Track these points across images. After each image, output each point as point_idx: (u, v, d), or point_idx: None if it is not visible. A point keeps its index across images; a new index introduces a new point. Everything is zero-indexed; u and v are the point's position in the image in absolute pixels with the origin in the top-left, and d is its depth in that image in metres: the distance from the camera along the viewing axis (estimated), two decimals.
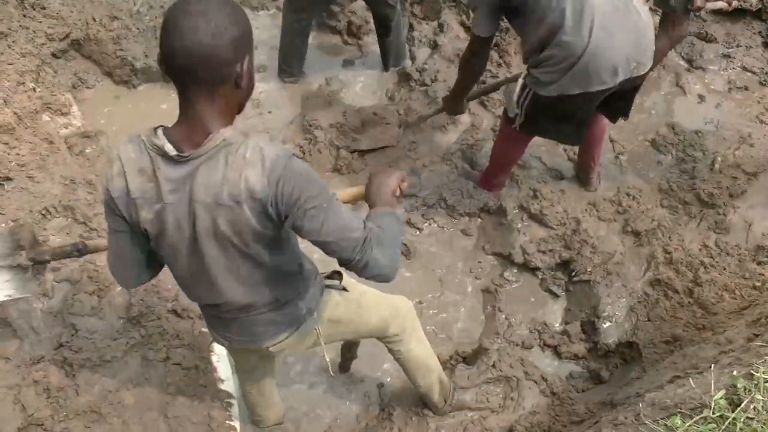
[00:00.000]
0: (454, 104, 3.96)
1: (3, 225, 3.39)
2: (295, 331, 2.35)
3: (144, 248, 2.07)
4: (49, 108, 4.18)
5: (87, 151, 4.13)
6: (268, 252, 2.00)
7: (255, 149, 1.78)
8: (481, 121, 4.57)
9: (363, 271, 1.95)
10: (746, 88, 4.96)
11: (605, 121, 3.90)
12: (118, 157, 1.87)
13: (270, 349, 2.39)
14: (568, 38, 3.08)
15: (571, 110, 3.40)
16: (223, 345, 2.51)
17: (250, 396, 3.03)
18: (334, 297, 2.46)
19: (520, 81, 3.41)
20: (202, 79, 1.74)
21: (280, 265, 2.09)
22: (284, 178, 1.78)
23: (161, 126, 1.85)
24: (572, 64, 3.13)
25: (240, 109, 1.90)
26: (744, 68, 5.08)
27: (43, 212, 3.52)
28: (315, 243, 1.91)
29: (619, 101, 3.52)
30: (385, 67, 4.88)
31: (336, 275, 2.50)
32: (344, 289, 2.49)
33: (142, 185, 1.85)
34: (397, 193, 2.14)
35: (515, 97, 3.45)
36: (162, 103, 4.59)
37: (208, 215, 1.85)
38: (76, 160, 4.02)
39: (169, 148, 1.79)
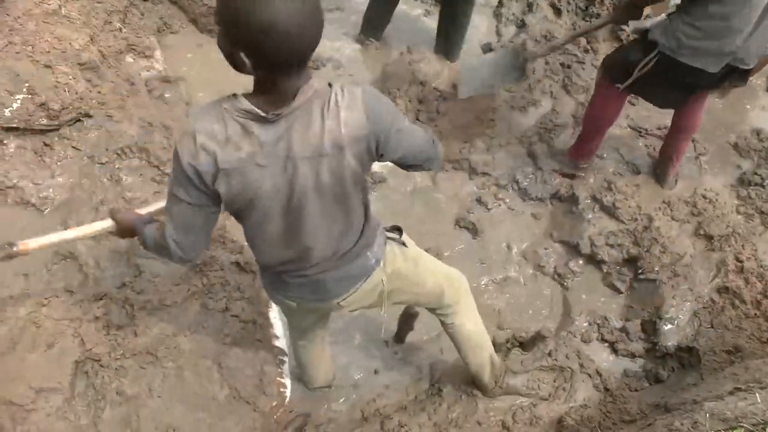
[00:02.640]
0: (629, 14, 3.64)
1: (79, 161, 3.45)
2: (363, 282, 2.37)
3: (214, 220, 2.08)
4: (133, 49, 4.22)
5: (166, 95, 4.17)
6: (360, 195, 2.07)
7: (345, 93, 1.86)
8: (562, 107, 4.49)
9: (437, 160, 2.23)
10: None
11: (700, 113, 3.83)
12: (195, 131, 1.83)
13: (340, 303, 2.41)
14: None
15: (691, 81, 3.37)
16: (289, 306, 2.48)
17: (304, 355, 3.05)
18: (395, 249, 2.47)
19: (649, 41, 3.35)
20: (302, 60, 1.75)
21: (362, 209, 2.16)
22: (378, 111, 1.89)
23: (234, 94, 1.85)
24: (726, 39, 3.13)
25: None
26: None
27: (119, 152, 3.57)
28: (404, 159, 2.08)
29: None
30: (441, 50, 4.77)
31: (396, 230, 2.52)
32: (403, 243, 2.51)
33: (230, 155, 1.84)
34: None
35: (636, 65, 3.41)
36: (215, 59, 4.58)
37: (310, 169, 1.89)
38: (155, 104, 4.06)
39: (262, 110, 1.79)
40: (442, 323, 2.87)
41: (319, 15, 1.72)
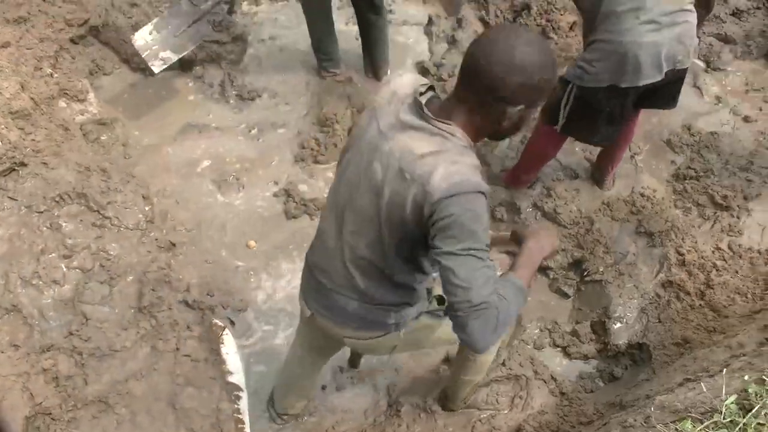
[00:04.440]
0: None
1: (17, 211, 3.41)
2: (375, 338, 2.37)
3: None
4: (66, 94, 4.19)
5: (102, 138, 4.16)
6: (403, 249, 2.07)
7: (467, 162, 1.88)
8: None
9: (455, 326, 1.94)
10: (763, 89, 4.92)
11: (633, 127, 3.94)
12: (400, 77, 2.08)
13: (345, 339, 2.44)
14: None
15: (614, 106, 3.43)
16: (304, 312, 2.51)
17: (293, 376, 3.02)
18: (425, 320, 2.44)
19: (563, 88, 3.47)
20: (476, 94, 1.89)
21: (399, 272, 2.16)
22: (454, 201, 1.84)
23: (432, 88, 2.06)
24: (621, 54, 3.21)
25: (484, 137, 2.04)
26: (762, 69, 5.05)
27: (57, 199, 3.53)
28: (441, 270, 1.94)
29: (665, 92, 3.54)
30: (370, 72, 4.80)
31: (442, 302, 2.47)
32: (439, 316, 2.47)
33: (385, 102, 2.04)
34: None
35: (561, 102, 3.49)
36: (177, 91, 4.59)
37: (387, 171, 1.96)
38: (91, 147, 4.05)
39: (422, 100, 1.95)
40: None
41: (514, 76, 1.83)
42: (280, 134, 4.36)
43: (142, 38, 4.32)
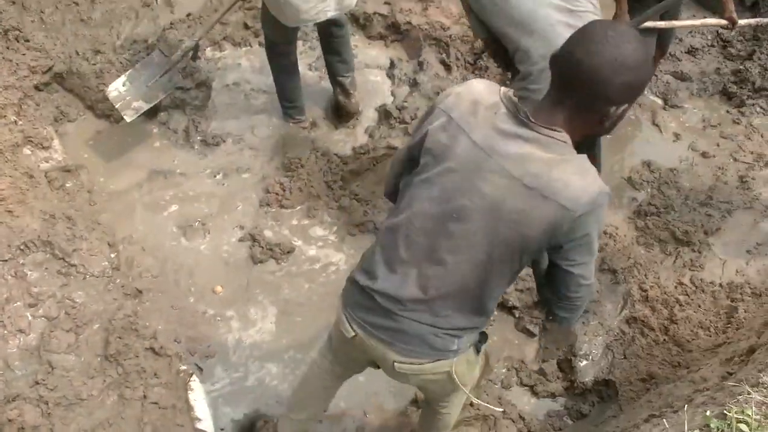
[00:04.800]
0: None
1: None
2: (430, 362, 2.26)
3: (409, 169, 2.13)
4: (31, 141, 4.18)
5: (67, 185, 4.13)
6: (510, 267, 2.02)
7: (590, 170, 1.88)
8: None
9: (563, 311, 2.20)
10: (720, 125, 5.04)
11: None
12: (468, 84, 2.02)
13: (395, 364, 2.28)
14: None
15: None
16: (349, 332, 2.33)
17: (314, 376, 2.82)
18: (471, 353, 2.37)
19: None
20: (579, 96, 1.83)
21: (491, 294, 2.10)
22: (592, 214, 1.87)
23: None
24: None
25: (586, 138, 1.97)
26: (718, 106, 5.18)
27: (22, 248, 3.52)
28: (566, 275, 2.03)
29: None
30: (334, 79, 4.73)
31: (484, 337, 2.42)
32: (478, 352, 2.41)
33: (464, 111, 1.94)
34: None
35: None
36: (142, 138, 4.59)
37: (502, 187, 1.88)
38: (56, 195, 4.02)
39: (522, 110, 1.87)
40: (428, 407, 2.82)
41: (623, 75, 1.78)
42: (245, 179, 4.37)
43: (116, 89, 4.38)
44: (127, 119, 4.36)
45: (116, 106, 4.36)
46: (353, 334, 2.30)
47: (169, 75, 4.46)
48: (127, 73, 4.45)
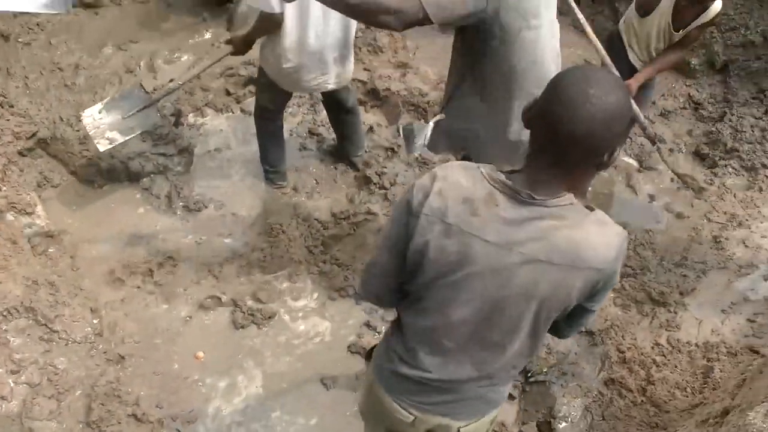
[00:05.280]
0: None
1: None
2: (489, 414, 2.28)
3: (402, 275, 2.02)
4: (14, 207, 4.22)
5: (50, 250, 4.17)
6: (551, 325, 2.01)
7: (605, 219, 1.84)
8: None
9: (568, 333, 2.19)
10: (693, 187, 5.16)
11: None
12: (442, 177, 1.85)
13: (460, 429, 2.25)
14: None
15: None
16: (408, 417, 2.26)
17: None
18: None
19: None
20: (573, 159, 1.75)
21: (536, 350, 2.10)
22: (619, 260, 1.86)
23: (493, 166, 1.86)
24: None
25: (587, 187, 1.94)
26: (691, 167, 5.30)
27: (4, 313, 3.54)
28: (585, 313, 2.03)
29: None
30: (347, 157, 4.93)
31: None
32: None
33: (462, 214, 1.81)
34: None
35: None
36: (125, 203, 4.65)
37: (532, 272, 1.82)
38: (39, 260, 4.06)
39: (520, 189, 1.78)
40: None
41: (613, 127, 1.71)
42: (227, 244, 4.41)
43: (90, 116, 4.43)
44: (101, 149, 4.38)
45: (89, 133, 4.39)
46: (412, 417, 2.27)
47: (147, 112, 4.50)
48: (104, 101, 4.50)
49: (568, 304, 1.90)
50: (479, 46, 2.96)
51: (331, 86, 4.24)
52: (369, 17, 2.77)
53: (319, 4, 2.89)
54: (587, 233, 1.79)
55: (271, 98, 4.43)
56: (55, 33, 5.90)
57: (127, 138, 4.43)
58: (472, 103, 3.18)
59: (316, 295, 4.20)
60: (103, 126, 4.41)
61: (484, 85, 3.10)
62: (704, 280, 4.44)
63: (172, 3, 6.38)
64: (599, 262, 1.80)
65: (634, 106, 4.13)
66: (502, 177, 1.81)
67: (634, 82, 4.21)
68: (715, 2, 4.09)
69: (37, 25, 5.85)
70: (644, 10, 4.28)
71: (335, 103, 4.63)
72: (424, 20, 2.73)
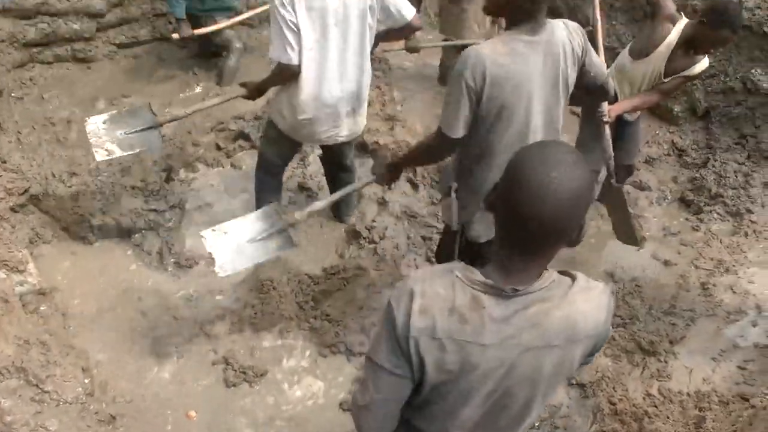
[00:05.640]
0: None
1: None
2: None
3: (406, 396, 1.93)
4: (6, 265, 4.21)
5: (42, 308, 4.16)
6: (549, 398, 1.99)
7: (590, 288, 1.80)
8: None
9: None
10: (680, 233, 5.21)
11: None
12: (420, 293, 1.76)
13: None
14: None
15: None
16: None
17: None
18: None
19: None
20: (545, 245, 1.71)
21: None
22: (610, 318, 1.84)
23: (464, 263, 1.81)
24: None
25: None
26: (677, 213, 5.36)
27: None
28: None
29: None
30: (339, 217, 5.00)
31: None
32: None
33: (452, 325, 1.74)
34: None
35: (454, 248, 3.51)
36: (116, 259, 4.66)
37: (533, 360, 1.79)
38: (31, 319, 4.04)
39: (502, 284, 1.72)
40: None
41: (581, 204, 1.67)
42: (218, 301, 4.42)
43: (95, 124, 4.40)
44: (98, 158, 4.36)
45: (90, 140, 4.36)
46: None
47: (150, 134, 4.46)
48: (110, 113, 4.50)
49: (570, 372, 1.92)
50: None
51: (342, 138, 4.32)
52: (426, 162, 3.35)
53: (336, 57, 3.01)
54: (576, 306, 1.77)
55: (279, 152, 4.49)
56: (48, 87, 5.99)
57: (124, 153, 4.41)
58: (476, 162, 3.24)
59: (307, 352, 4.19)
60: (104, 137, 4.39)
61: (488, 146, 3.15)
62: (693, 327, 4.46)
63: (164, 58, 6.48)
64: (594, 328, 1.81)
65: (606, 136, 4.23)
66: (480, 277, 1.75)
67: (614, 109, 4.28)
68: (703, 59, 4.21)
69: (30, 79, 5.95)
70: (641, 53, 4.39)
71: (335, 161, 4.71)
72: (447, 140, 3.05)
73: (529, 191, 1.63)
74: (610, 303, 1.85)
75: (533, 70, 2.94)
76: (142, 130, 4.44)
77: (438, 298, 1.75)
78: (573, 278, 1.81)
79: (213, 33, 6.15)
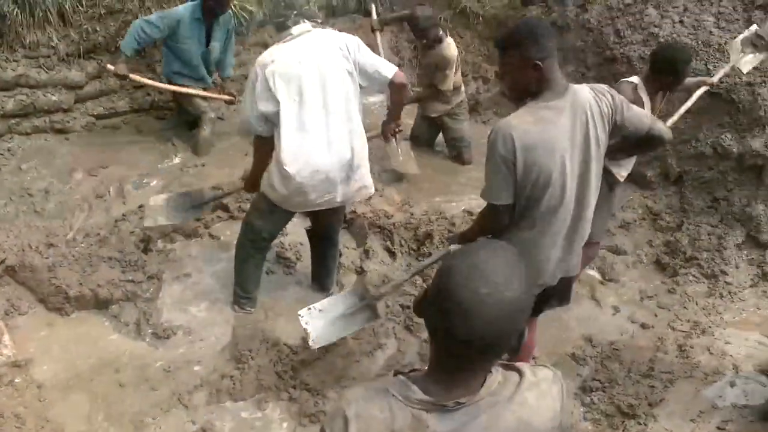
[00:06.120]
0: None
1: None
2: None
3: None
4: None
5: (16, 381, 4.11)
6: None
7: (538, 382, 1.70)
8: (407, 346, 4.63)
9: None
10: (656, 296, 5.27)
11: (533, 336, 4.07)
12: (354, 416, 1.61)
13: None
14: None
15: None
16: None
17: None
18: None
19: None
20: (483, 360, 1.61)
21: None
22: (567, 405, 1.77)
23: (400, 375, 1.68)
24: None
25: None
26: (653, 277, 5.42)
27: None
28: None
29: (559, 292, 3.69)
30: (320, 286, 4.99)
31: None
32: None
33: None
34: None
35: None
36: (93, 330, 4.61)
37: None
38: (5, 391, 4.00)
39: (441, 398, 1.59)
40: None
41: (519, 314, 1.57)
42: (196, 371, 4.36)
43: (154, 201, 4.99)
44: (145, 223, 4.94)
45: (146, 212, 4.96)
46: None
47: (194, 210, 5.09)
48: (171, 194, 5.07)
49: None
50: None
51: (338, 203, 4.37)
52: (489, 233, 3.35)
53: (319, 125, 3.13)
54: (528, 404, 1.67)
55: (270, 224, 4.50)
56: (26, 158, 6.02)
57: (169, 223, 5.01)
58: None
59: (285, 424, 4.12)
60: (156, 211, 4.94)
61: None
62: (672, 389, 4.47)
63: (142, 129, 6.55)
64: (551, 420, 1.71)
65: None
66: (420, 395, 1.61)
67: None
68: None
69: (8, 150, 5.98)
70: None
71: (325, 234, 4.75)
72: (495, 208, 3.22)
73: (460, 310, 1.52)
74: (561, 389, 1.76)
75: (562, 132, 3.10)
76: (193, 207, 5.06)
77: (375, 420, 1.61)
78: (520, 373, 1.70)
79: (187, 104, 6.28)
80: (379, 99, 7.04)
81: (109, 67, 6.02)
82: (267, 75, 3.97)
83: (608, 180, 4.52)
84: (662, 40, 6.12)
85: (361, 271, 5.05)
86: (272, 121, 4.06)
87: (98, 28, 6.39)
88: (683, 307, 5.16)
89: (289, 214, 4.50)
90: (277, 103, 3.97)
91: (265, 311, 4.83)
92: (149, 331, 4.60)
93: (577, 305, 5.09)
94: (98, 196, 5.49)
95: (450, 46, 6.15)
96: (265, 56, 4.11)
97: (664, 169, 6.03)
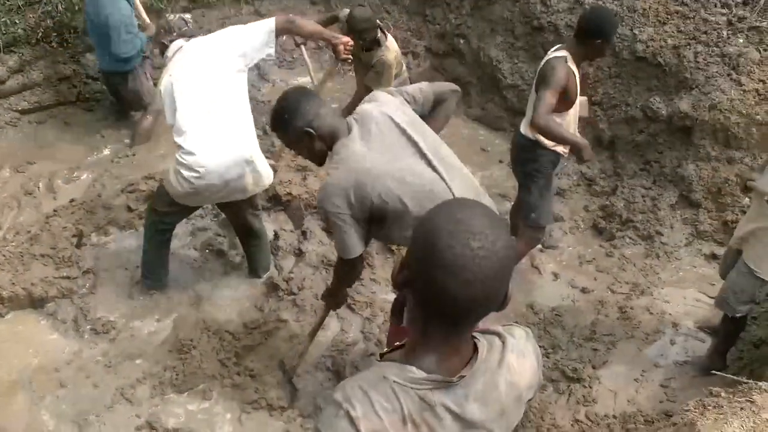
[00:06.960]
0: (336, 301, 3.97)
1: None
2: None
3: None
4: None
5: None
6: None
7: (517, 344, 1.71)
8: (349, 325, 4.64)
9: None
10: (595, 260, 5.34)
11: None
12: (362, 415, 1.54)
13: None
14: None
15: None
16: None
17: None
18: None
19: None
20: (474, 318, 1.58)
21: None
22: (540, 361, 1.80)
23: (395, 362, 1.64)
24: None
25: None
26: (591, 241, 5.49)
27: None
28: None
29: None
30: (255, 273, 4.98)
31: None
32: None
33: None
34: None
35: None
36: (29, 330, 4.52)
37: (497, 429, 1.65)
38: None
39: (445, 373, 1.58)
40: None
41: (506, 271, 1.54)
42: (138, 365, 4.30)
43: None
44: None
45: None
46: None
47: None
48: None
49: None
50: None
51: (239, 196, 4.36)
52: None
53: (208, 120, 3.15)
54: (514, 367, 1.69)
55: (171, 216, 4.53)
56: None
57: None
58: None
59: (228, 415, 4.07)
60: None
61: None
62: (614, 351, 4.56)
63: (69, 122, 6.39)
64: (533, 377, 1.76)
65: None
66: (420, 373, 1.58)
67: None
68: None
69: None
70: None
71: (243, 228, 4.76)
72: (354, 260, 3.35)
73: (454, 270, 1.47)
74: (536, 346, 1.80)
75: (375, 156, 3.17)
76: None
77: (386, 413, 1.55)
78: (500, 337, 1.72)
79: (145, 93, 6.18)
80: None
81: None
82: (169, 77, 4.21)
83: (552, 159, 4.57)
84: (587, 6, 6.15)
85: (300, 253, 5.02)
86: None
87: (17, 21, 6.21)
88: (622, 270, 5.24)
89: (191, 207, 4.54)
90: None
91: (205, 300, 4.78)
92: (87, 327, 4.52)
93: (518, 273, 5.13)
94: (27, 193, 5.34)
95: (389, 50, 5.73)
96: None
97: (596, 134, 6.08)
